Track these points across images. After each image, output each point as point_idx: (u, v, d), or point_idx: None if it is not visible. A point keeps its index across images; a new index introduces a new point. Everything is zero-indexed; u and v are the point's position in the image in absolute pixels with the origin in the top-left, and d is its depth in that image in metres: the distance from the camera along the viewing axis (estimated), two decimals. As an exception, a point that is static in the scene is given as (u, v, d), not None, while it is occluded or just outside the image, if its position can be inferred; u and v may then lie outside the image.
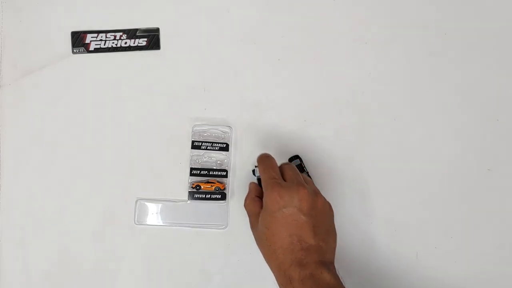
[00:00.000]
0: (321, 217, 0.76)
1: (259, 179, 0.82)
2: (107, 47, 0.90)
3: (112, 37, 0.90)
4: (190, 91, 0.90)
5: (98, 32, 0.90)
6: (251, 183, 0.84)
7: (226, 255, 0.89)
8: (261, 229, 0.77)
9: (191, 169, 0.88)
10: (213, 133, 0.89)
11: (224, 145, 0.88)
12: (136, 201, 0.89)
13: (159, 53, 0.90)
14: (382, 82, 0.90)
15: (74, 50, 0.90)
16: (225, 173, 0.88)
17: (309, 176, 0.88)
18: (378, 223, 0.88)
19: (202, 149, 0.88)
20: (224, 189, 0.88)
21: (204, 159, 0.89)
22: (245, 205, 0.82)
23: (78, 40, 0.90)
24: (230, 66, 0.90)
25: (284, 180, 0.78)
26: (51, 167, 0.89)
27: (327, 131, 0.89)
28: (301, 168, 0.88)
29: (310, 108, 0.90)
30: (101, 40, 0.90)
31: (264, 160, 0.81)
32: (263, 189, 0.78)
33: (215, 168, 0.88)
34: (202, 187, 0.87)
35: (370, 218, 0.89)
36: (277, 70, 0.90)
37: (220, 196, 0.88)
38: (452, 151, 0.89)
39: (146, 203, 0.89)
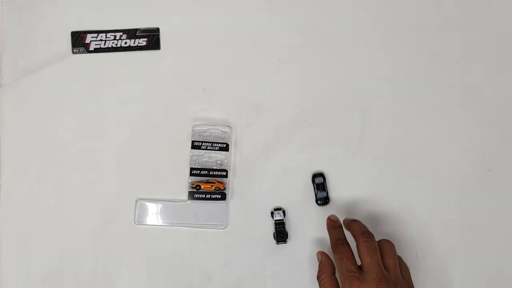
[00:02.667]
0: None
1: (276, 222, 0.87)
2: (107, 47, 0.90)
3: (112, 37, 0.90)
4: (190, 91, 0.90)
5: (98, 32, 0.90)
6: (322, 255, 0.82)
7: (226, 255, 0.89)
8: None
9: (191, 169, 0.88)
10: (213, 133, 0.89)
11: (224, 145, 0.88)
12: (136, 201, 0.89)
13: (159, 53, 0.90)
14: (382, 82, 0.90)
15: (74, 50, 0.90)
16: (225, 173, 0.88)
17: (327, 191, 0.88)
18: (378, 223, 0.88)
19: (202, 149, 0.88)
20: (224, 189, 0.88)
21: (204, 159, 0.89)
22: (320, 281, 0.80)
23: (78, 40, 0.90)
24: (230, 66, 0.90)
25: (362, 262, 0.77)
26: (51, 167, 0.89)
27: (327, 131, 0.89)
28: (323, 187, 0.88)
29: (310, 108, 0.90)
30: (101, 40, 0.90)
31: (340, 249, 0.79)
32: (340, 279, 0.77)
33: (215, 168, 0.88)
34: (202, 187, 0.87)
35: (370, 218, 0.89)
36: (277, 70, 0.90)
37: (220, 196, 0.88)
38: (452, 151, 0.89)
39: (146, 203, 0.89)
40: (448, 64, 0.90)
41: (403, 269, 0.79)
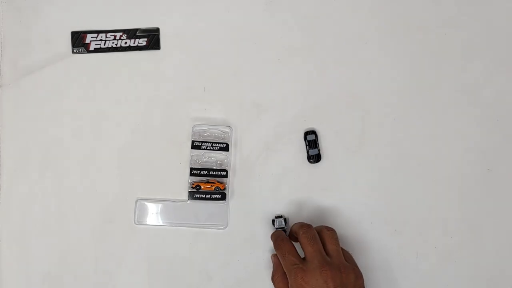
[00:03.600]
0: None
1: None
2: (107, 47, 0.90)
3: (112, 37, 0.90)
4: (190, 91, 0.90)
5: (98, 32, 0.90)
6: (274, 256, 0.84)
7: (226, 255, 0.89)
8: None
9: (191, 169, 0.88)
10: (213, 133, 0.89)
11: (224, 145, 0.88)
12: (136, 201, 0.89)
13: (159, 53, 0.90)
14: (382, 82, 0.90)
15: (74, 50, 0.90)
16: (225, 173, 0.88)
17: (318, 149, 0.89)
18: (378, 223, 0.88)
19: (202, 149, 0.88)
20: (224, 189, 0.88)
21: (204, 159, 0.89)
22: (274, 282, 0.82)
23: (78, 40, 0.90)
24: (230, 66, 0.90)
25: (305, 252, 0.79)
26: (51, 167, 0.89)
27: (327, 131, 0.89)
28: (315, 144, 0.88)
29: (310, 108, 0.90)
30: (101, 40, 0.90)
31: (280, 245, 0.81)
32: (287, 274, 0.79)
33: (215, 168, 0.88)
34: (202, 187, 0.87)
35: (370, 218, 0.89)
36: (277, 70, 0.90)
37: (220, 196, 0.88)
38: (452, 151, 0.89)
39: (146, 203, 0.89)
40: (448, 64, 0.90)
41: (345, 254, 0.81)
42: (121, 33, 0.90)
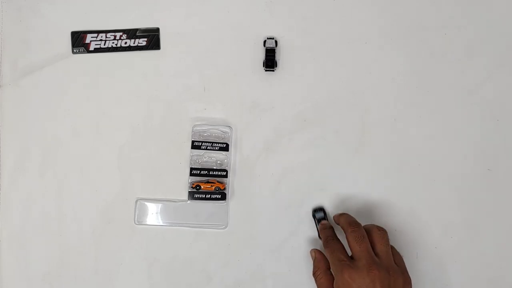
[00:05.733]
0: None
1: (267, 49, 0.88)
2: (107, 47, 0.90)
3: (112, 37, 0.90)
4: (190, 91, 0.90)
5: (98, 32, 0.90)
6: (316, 252, 0.84)
7: (226, 255, 0.89)
8: None
9: (191, 169, 0.88)
10: (213, 133, 0.89)
11: (224, 145, 0.88)
12: (136, 201, 0.89)
13: (159, 53, 0.90)
14: (382, 82, 0.90)
15: (74, 50, 0.90)
16: (225, 173, 0.88)
17: (326, 218, 0.88)
18: (378, 223, 0.88)
19: (202, 149, 0.88)
20: (224, 189, 0.88)
21: (204, 159, 0.89)
22: (316, 277, 0.81)
23: (78, 40, 0.90)
24: (230, 66, 0.90)
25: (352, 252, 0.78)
26: (51, 167, 0.89)
27: (327, 131, 0.89)
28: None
29: (310, 108, 0.90)
30: (101, 40, 0.90)
31: (331, 244, 0.81)
32: (333, 271, 0.78)
33: (215, 168, 0.88)
34: (202, 187, 0.87)
35: (370, 218, 0.89)
36: (277, 70, 0.90)
37: (220, 196, 0.88)
38: (452, 151, 0.89)
39: (146, 203, 0.89)
40: (448, 64, 0.90)
41: (396, 256, 0.80)
42: (121, 33, 0.90)
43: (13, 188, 0.89)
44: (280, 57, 0.90)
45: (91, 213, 0.89)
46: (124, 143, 0.90)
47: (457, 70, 0.90)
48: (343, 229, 0.81)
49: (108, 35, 0.90)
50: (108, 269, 0.89)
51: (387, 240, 0.80)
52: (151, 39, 0.90)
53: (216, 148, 0.88)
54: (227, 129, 0.89)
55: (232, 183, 0.89)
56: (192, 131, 0.88)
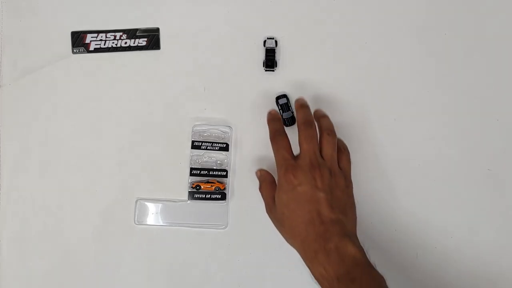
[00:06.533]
0: (337, 192, 0.79)
1: (267, 49, 0.88)
2: (107, 47, 0.90)
3: (112, 37, 0.90)
4: (190, 91, 0.90)
5: (98, 32, 0.90)
6: (260, 170, 0.87)
7: (226, 255, 0.89)
8: (279, 209, 0.80)
9: (191, 169, 0.88)
10: (213, 133, 0.89)
11: (224, 145, 0.88)
12: (136, 201, 0.89)
13: (159, 53, 0.90)
14: (382, 82, 0.90)
15: (74, 50, 0.90)
16: (225, 173, 0.88)
17: (292, 111, 0.89)
18: (378, 223, 0.88)
19: (202, 149, 0.88)
20: (224, 189, 0.88)
21: (204, 159, 0.89)
22: (261, 190, 0.85)
23: (78, 40, 0.90)
24: (230, 66, 0.90)
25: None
26: (50, 167, 0.89)
27: (327, 131, 0.89)
28: (288, 107, 0.89)
29: (310, 108, 0.89)
30: (101, 40, 0.90)
31: (278, 139, 0.83)
32: (277, 169, 0.81)
33: (215, 168, 0.88)
34: (202, 187, 0.87)
35: (370, 218, 0.89)
36: (277, 70, 0.90)
37: (220, 196, 0.88)
38: (452, 151, 0.89)
39: (146, 203, 0.89)
40: (448, 64, 0.90)
41: (343, 161, 0.84)
42: (121, 33, 0.90)
43: (13, 188, 0.89)
44: (280, 57, 0.90)
45: (91, 213, 0.89)
46: (124, 143, 0.90)
47: (457, 70, 0.90)
48: (297, 124, 0.84)
49: (108, 35, 0.90)
50: (108, 269, 0.89)
51: (334, 144, 0.82)
52: (151, 39, 0.90)
53: (216, 148, 0.88)
54: (227, 129, 0.89)
55: (232, 183, 0.89)
56: (192, 131, 0.88)
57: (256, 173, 0.87)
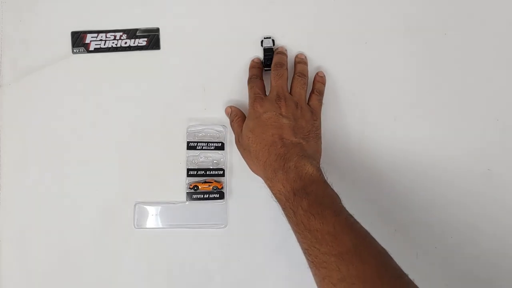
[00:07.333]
0: (301, 121, 0.83)
1: (265, 49, 0.90)
2: (107, 47, 0.90)
3: (112, 37, 0.90)
4: (190, 91, 0.90)
5: (98, 32, 0.90)
6: (231, 107, 0.89)
7: (226, 254, 0.89)
8: (245, 134, 0.83)
9: (188, 170, 0.88)
10: (208, 133, 0.89)
11: (220, 144, 0.88)
12: (135, 205, 0.88)
13: (159, 53, 0.91)
14: (382, 82, 0.90)
15: (74, 50, 0.90)
16: (222, 172, 0.88)
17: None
18: (378, 223, 0.88)
19: (198, 149, 0.88)
20: (222, 188, 0.88)
21: (201, 159, 0.89)
22: (231, 124, 0.88)
23: (78, 40, 0.90)
24: (230, 66, 0.90)
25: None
26: (50, 167, 0.89)
27: (327, 131, 0.89)
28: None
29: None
30: (101, 40, 0.90)
31: (254, 81, 0.87)
32: (249, 103, 0.86)
33: (211, 167, 0.89)
34: (199, 187, 0.87)
35: (370, 218, 0.88)
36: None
37: (218, 195, 0.88)
38: (452, 151, 0.89)
39: (144, 206, 0.89)
40: (448, 64, 0.90)
41: (313, 100, 0.88)
42: (121, 33, 0.90)
43: (13, 188, 0.89)
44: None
45: (91, 213, 0.89)
46: (124, 143, 0.90)
47: (457, 70, 0.90)
48: (271, 68, 0.88)
49: (108, 35, 0.90)
50: (108, 269, 0.89)
51: (304, 84, 0.86)
52: (151, 39, 0.90)
53: (212, 148, 0.88)
54: (221, 128, 0.89)
55: (230, 182, 0.89)
56: (187, 132, 0.88)
57: (226, 109, 0.89)
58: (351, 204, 0.89)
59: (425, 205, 0.89)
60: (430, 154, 0.89)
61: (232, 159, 0.89)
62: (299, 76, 0.87)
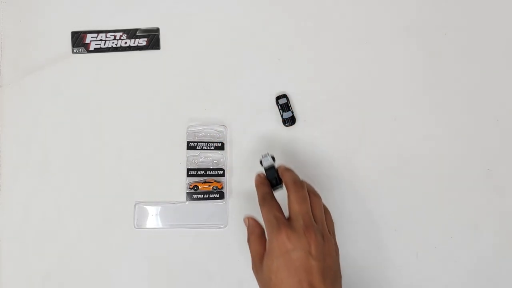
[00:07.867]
0: (329, 260, 0.72)
1: (266, 169, 0.81)
2: (107, 47, 0.90)
3: (112, 37, 0.90)
4: (190, 91, 0.90)
5: (98, 32, 0.90)
6: (249, 219, 0.80)
7: (226, 255, 0.89)
8: (266, 275, 0.72)
9: (188, 170, 0.88)
10: (208, 133, 0.89)
11: (220, 144, 0.88)
12: (135, 205, 0.88)
13: (159, 53, 0.90)
14: (382, 82, 0.90)
15: (74, 50, 0.90)
16: (222, 172, 0.88)
17: (292, 111, 0.89)
18: (378, 223, 0.88)
19: (198, 149, 0.88)
20: (222, 188, 0.88)
21: (201, 159, 0.89)
22: (249, 243, 0.78)
23: (78, 40, 0.90)
24: (230, 66, 0.90)
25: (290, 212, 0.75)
26: (50, 167, 0.89)
27: (327, 131, 0.89)
28: (288, 107, 0.89)
29: (310, 108, 0.89)
30: (101, 40, 0.90)
31: (268, 201, 0.77)
32: (267, 229, 0.74)
33: (211, 167, 0.88)
34: (199, 187, 0.87)
35: (370, 218, 0.89)
36: (277, 69, 0.90)
37: (218, 195, 0.88)
38: (452, 151, 0.89)
39: (145, 206, 0.88)
40: (448, 64, 0.90)
41: (328, 222, 0.77)
42: (121, 33, 0.90)
43: (13, 188, 0.89)
44: (280, 56, 0.90)
45: (91, 213, 0.89)
46: (124, 143, 0.90)
47: (457, 70, 0.90)
48: (286, 186, 0.77)
49: (108, 35, 0.90)
50: (108, 269, 0.89)
51: (322, 206, 0.77)
52: (151, 39, 0.90)
53: (212, 148, 0.88)
54: (221, 128, 0.89)
55: (230, 182, 0.89)
56: (187, 132, 0.88)
57: (244, 220, 0.80)
58: (351, 204, 0.89)
59: (425, 205, 0.89)
60: (430, 154, 0.89)
61: (232, 159, 0.89)
62: (315, 195, 0.77)
